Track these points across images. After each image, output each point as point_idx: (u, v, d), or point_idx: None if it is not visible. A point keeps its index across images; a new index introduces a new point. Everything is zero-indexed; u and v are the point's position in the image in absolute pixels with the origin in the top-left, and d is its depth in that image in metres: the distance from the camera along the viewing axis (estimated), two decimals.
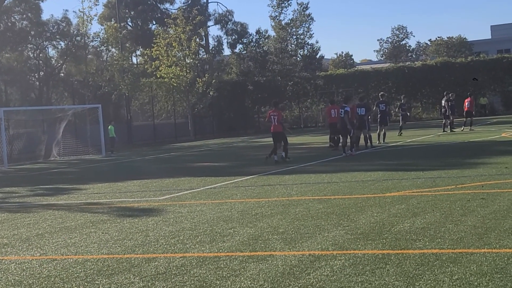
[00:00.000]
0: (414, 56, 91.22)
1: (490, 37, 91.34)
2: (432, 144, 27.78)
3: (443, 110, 36.69)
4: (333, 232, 9.82)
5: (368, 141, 27.16)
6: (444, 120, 36.66)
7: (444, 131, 35.63)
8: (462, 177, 15.41)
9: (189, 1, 70.63)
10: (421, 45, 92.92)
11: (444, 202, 11.82)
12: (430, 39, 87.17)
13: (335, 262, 7.97)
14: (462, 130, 35.41)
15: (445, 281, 6.85)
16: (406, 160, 21.82)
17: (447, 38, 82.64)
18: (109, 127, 40.03)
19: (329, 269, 7.67)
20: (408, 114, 36.06)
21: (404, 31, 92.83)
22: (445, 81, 60.86)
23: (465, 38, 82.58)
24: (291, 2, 67.84)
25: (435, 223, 9.91)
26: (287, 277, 7.45)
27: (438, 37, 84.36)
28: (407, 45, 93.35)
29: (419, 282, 6.89)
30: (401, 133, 35.02)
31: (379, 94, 33.79)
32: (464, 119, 36.76)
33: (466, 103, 36.74)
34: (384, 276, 7.19)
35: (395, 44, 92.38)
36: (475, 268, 7.24)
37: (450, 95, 37.17)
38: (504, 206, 10.90)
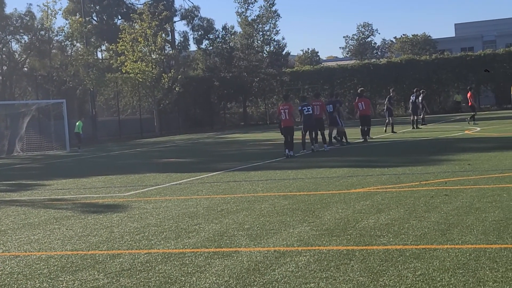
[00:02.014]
0: (379, 53, 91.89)
1: (454, 35, 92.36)
2: (397, 140, 27.99)
3: (411, 106, 37.05)
4: (298, 228, 9.85)
5: (343, 138, 27.22)
6: (412, 117, 37.01)
7: (413, 127, 35.86)
8: (426, 173, 15.56)
9: None
10: (386, 42, 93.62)
11: (408, 198, 11.92)
12: (395, 37, 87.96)
13: (300, 258, 8.00)
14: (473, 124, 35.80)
15: (408, 277, 6.92)
16: (371, 157, 21.97)
17: (412, 35, 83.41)
18: (78, 122, 39.25)
19: (294, 265, 7.70)
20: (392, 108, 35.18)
21: (369, 28, 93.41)
22: (410, 79, 61.51)
23: (429, 36, 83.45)
24: None
25: (399, 219, 9.99)
26: (252, 273, 7.47)
27: (403, 34, 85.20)
28: (373, 42, 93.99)
29: (383, 278, 6.94)
30: (394, 131, 32.98)
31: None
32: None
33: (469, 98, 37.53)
34: (349, 272, 7.24)
35: (361, 41, 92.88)
36: (438, 264, 7.32)
37: (421, 91, 37.65)
38: (466, 203, 11.03)
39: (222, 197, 13.83)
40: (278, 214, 11.16)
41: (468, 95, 38.09)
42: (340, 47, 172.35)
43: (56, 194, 16.61)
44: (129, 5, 71.30)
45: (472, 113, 37.52)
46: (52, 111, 48.34)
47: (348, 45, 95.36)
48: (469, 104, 37.75)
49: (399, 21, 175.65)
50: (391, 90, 37.54)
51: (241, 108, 68.57)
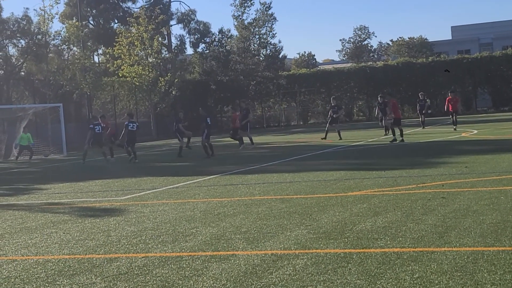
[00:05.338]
0: (376, 56, 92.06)
1: (450, 38, 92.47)
2: (394, 143, 27.99)
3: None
4: (295, 231, 9.84)
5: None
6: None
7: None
8: (423, 176, 15.56)
9: (152, 0, 70.28)
10: (382, 45, 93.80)
11: (405, 201, 11.92)
12: (392, 40, 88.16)
13: (298, 261, 7.99)
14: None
15: (406, 280, 6.91)
16: (368, 160, 21.97)
17: (408, 38, 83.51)
18: (24, 135, 37.46)
19: (291, 268, 7.69)
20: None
21: (366, 31, 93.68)
22: (406, 81, 61.56)
23: (426, 39, 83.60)
24: (253, 2, 67.73)
25: (396, 222, 9.99)
26: (249, 277, 7.46)
27: (400, 37, 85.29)
28: (369, 45, 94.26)
29: (381, 281, 6.94)
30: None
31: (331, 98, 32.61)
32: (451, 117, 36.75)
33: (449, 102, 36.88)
34: (346, 275, 7.23)
35: (357, 44, 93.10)
36: (435, 267, 7.31)
37: (420, 94, 38.09)
38: (464, 205, 11.03)
39: (219, 201, 13.82)
40: (275, 218, 11.15)
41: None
42: (336, 50, 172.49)
43: (53, 198, 16.59)
44: (125, 9, 71.31)
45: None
46: (49, 115, 48.22)
47: (344, 48, 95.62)
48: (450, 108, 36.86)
49: (396, 24, 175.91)
50: (379, 97, 37.89)
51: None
